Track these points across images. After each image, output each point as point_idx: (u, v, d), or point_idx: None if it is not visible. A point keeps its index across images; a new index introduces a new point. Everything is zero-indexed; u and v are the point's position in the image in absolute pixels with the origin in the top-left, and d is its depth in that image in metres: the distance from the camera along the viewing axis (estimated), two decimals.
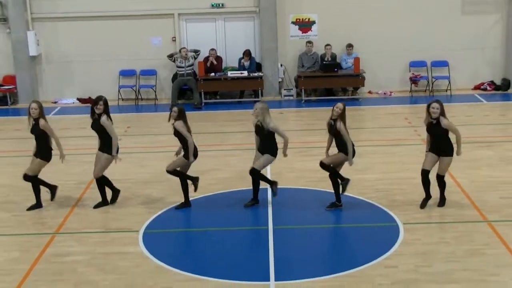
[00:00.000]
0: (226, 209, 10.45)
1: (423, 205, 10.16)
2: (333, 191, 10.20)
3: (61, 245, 9.31)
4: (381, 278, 8.06)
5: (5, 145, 14.80)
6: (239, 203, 10.69)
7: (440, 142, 9.88)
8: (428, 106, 9.86)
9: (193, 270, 8.44)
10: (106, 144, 10.38)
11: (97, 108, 10.21)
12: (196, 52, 18.31)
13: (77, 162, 12.31)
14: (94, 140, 13.78)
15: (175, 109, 10.20)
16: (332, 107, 10.04)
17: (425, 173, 10.03)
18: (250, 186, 11.46)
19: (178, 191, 11.17)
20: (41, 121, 10.26)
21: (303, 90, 18.33)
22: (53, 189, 10.82)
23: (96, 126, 10.36)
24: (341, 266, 8.44)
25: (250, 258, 8.77)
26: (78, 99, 19.03)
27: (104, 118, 10.25)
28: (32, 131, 10.38)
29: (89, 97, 18.92)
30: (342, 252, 9.12)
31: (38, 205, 10.62)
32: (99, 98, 10.34)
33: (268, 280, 8.11)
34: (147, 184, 11.50)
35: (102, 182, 10.57)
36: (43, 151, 10.37)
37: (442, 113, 9.77)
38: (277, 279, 8.12)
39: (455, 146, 9.95)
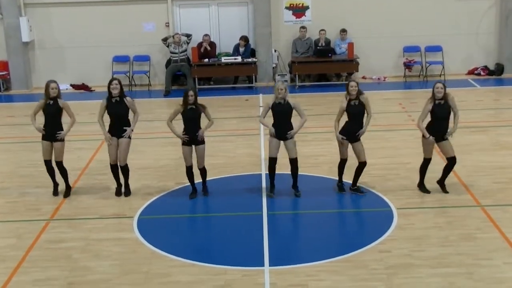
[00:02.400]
0: (221, 195, 10.46)
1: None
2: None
3: (56, 232, 9.32)
4: (375, 263, 8.10)
5: None
6: (233, 189, 10.70)
7: (445, 123, 9.90)
8: (433, 88, 9.86)
9: (188, 255, 8.46)
10: (124, 126, 10.31)
11: (113, 88, 10.13)
12: (188, 36, 18.24)
13: (71, 148, 12.28)
14: (86, 127, 13.82)
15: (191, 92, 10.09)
16: (346, 88, 9.94)
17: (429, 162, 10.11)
18: (244, 172, 11.49)
19: (171, 177, 11.17)
20: (61, 100, 10.22)
21: (297, 76, 18.29)
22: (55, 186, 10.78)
23: (121, 107, 10.22)
24: (335, 251, 8.47)
25: (244, 244, 8.79)
26: (71, 85, 18.94)
27: (129, 98, 10.31)
28: (47, 111, 10.17)
29: (83, 83, 18.87)
30: (336, 237, 9.15)
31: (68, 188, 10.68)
32: (112, 78, 10.35)
33: (263, 265, 8.14)
34: (141, 170, 11.49)
35: (128, 168, 10.54)
36: (59, 131, 10.30)
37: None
38: (271, 264, 8.15)
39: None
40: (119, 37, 18.72)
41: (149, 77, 18.84)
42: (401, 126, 13.92)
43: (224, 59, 18.19)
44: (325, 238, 8.98)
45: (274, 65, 18.83)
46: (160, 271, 8.09)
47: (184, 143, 10.15)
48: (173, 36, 18.11)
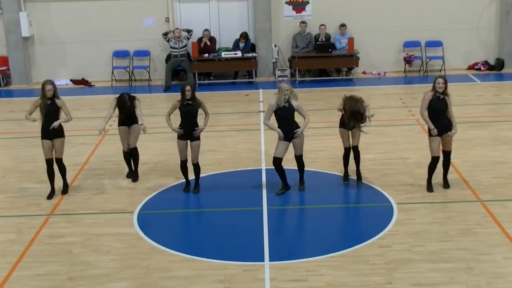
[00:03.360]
0: (221, 190, 10.46)
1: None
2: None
3: (56, 227, 9.32)
4: (375, 258, 8.11)
5: None
6: (233, 183, 10.71)
7: (443, 117, 9.87)
8: (434, 82, 9.86)
9: (188, 250, 8.47)
10: (134, 118, 10.65)
11: (124, 104, 10.52)
12: (189, 32, 18.22)
13: (71, 144, 12.28)
14: (86, 122, 13.82)
15: (188, 88, 10.08)
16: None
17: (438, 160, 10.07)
18: (244, 167, 11.48)
19: (172, 172, 11.18)
20: (59, 100, 10.19)
21: (297, 71, 18.27)
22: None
23: (128, 108, 10.59)
24: (335, 246, 8.47)
25: (245, 239, 8.79)
26: (71, 80, 18.94)
27: (136, 101, 10.63)
28: (46, 110, 10.10)
29: (83, 78, 18.85)
30: (336, 232, 9.16)
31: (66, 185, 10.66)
32: (122, 96, 10.60)
33: (263, 260, 8.15)
34: (141, 165, 11.48)
35: (137, 152, 10.89)
36: (60, 129, 10.25)
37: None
38: (271, 259, 8.15)
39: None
40: (119, 32, 18.69)
41: (149, 72, 18.82)
42: (401, 121, 13.91)
43: (224, 54, 18.17)
44: (325, 233, 8.98)
45: (274, 60, 18.82)
46: (160, 266, 8.10)
47: (179, 137, 10.17)
48: (173, 31, 18.09)
